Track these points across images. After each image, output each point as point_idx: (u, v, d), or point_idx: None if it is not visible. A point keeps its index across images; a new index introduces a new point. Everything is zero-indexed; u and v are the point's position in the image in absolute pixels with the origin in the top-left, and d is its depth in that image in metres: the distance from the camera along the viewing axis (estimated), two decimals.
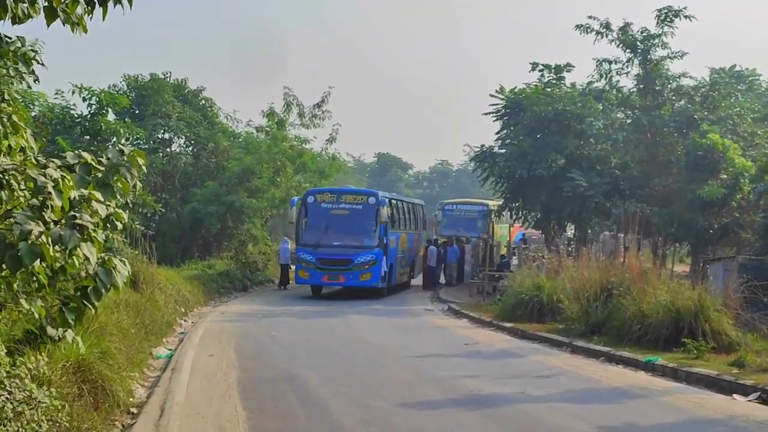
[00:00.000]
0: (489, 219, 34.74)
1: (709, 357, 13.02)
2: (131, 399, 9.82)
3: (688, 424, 8.97)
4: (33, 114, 20.96)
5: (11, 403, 4.45)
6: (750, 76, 36.67)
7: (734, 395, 10.81)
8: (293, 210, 29.38)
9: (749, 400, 10.51)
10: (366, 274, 27.82)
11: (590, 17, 29.13)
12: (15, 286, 6.57)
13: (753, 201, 25.19)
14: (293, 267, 31.00)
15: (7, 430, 4.47)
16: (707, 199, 25.77)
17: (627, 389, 11.14)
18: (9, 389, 4.50)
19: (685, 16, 28.26)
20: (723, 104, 29.56)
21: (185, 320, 19.83)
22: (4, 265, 6.15)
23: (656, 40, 28.65)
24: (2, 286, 6.51)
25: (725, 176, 26.35)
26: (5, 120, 6.79)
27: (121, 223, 7.22)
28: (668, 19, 28.28)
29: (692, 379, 11.92)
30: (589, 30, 29.10)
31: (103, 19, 7.54)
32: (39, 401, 4.65)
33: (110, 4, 7.54)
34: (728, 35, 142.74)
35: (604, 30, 28.95)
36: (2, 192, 6.45)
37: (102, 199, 7.77)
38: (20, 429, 4.50)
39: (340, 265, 27.69)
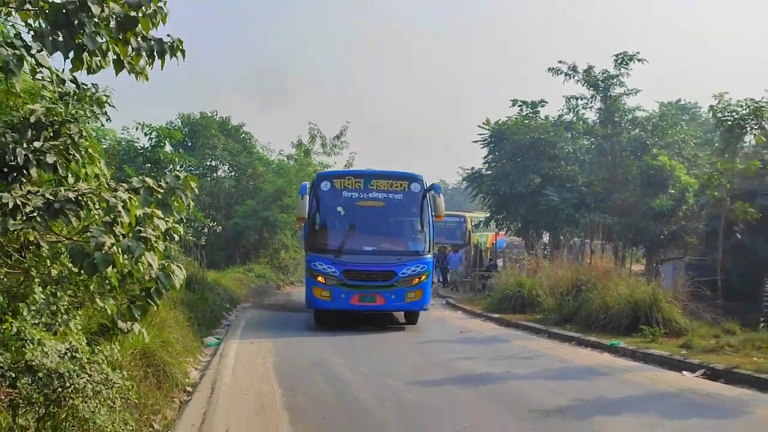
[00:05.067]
0: (466, 228, 34.61)
1: (662, 341, 12.99)
2: (187, 380, 9.83)
3: (646, 397, 8.92)
4: (104, 147, 21.01)
5: (91, 384, 4.47)
6: (692, 108, 36.72)
7: (683, 372, 10.76)
8: (304, 201, 16.16)
9: (696, 376, 10.46)
10: (415, 292, 15.66)
11: (560, 62, 29.14)
12: (91, 287, 6.60)
13: (696, 211, 25.22)
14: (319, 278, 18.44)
15: (88, 406, 4.48)
16: (658, 210, 25.75)
17: (595, 368, 11.10)
18: (89, 373, 4.51)
19: (638, 60, 28.28)
20: (670, 132, 29.56)
21: (230, 314, 19.83)
22: (82, 271, 6.18)
23: (614, 80, 28.67)
24: (81, 288, 6.54)
25: (673, 191, 26.31)
26: (83, 152, 6.82)
27: (177, 235, 7.22)
28: (624, 63, 28.31)
29: (648, 359, 11.88)
30: (559, 72, 29.11)
31: (162, 69, 7.60)
32: (114, 382, 4.66)
33: (167, 57, 7.63)
34: (674, 74, 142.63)
35: (572, 72, 28.97)
36: (81, 212, 6.49)
37: (162, 216, 7.80)
38: (99, 405, 4.51)
39: (378, 279, 15.49)
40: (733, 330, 12.88)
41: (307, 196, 15.83)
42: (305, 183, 16.27)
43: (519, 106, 30.92)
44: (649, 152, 27.83)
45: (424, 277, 15.70)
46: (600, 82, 28.78)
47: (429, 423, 7.52)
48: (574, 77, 29.00)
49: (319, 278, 15.44)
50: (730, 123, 17.63)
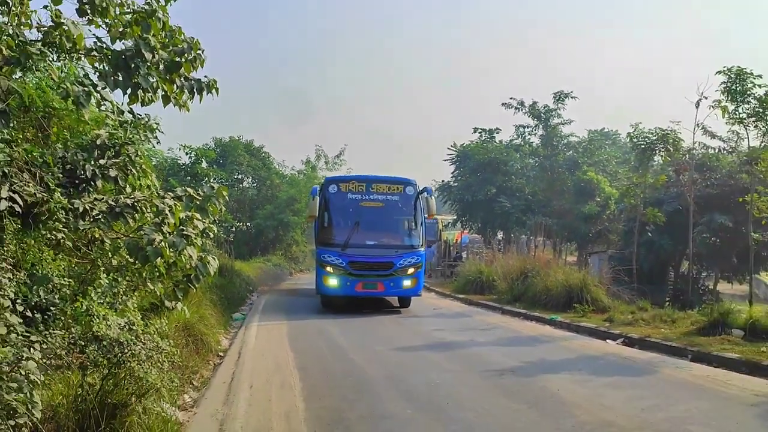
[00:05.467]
0: (438, 228, 34.63)
1: (590, 316, 13.01)
2: (219, 347, 9.77)
3: (579, 359, 8.94)
4: (154, 163, 20.99)
5: (144, 350, 4.46)
6: (613, 134, 36.85)
7: (607, 340, 10.78)
8: (314, 201, 15.14)
9: (617, 343, 10.49)
10: (410, 280, 14.91)
11: (511, 98, 29.30)
12: (144, 274, 6.58)
13: (617, 215, 25.34)
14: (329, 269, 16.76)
15: (142, 367, 4.46)
16: (588, 214, 25.88)
17: (538, 337, 11.12)
18: (143, 341, 4.49)
19: (572, 97, 28.46)
20: (597, 153, 29.79)
21: (252, 295, 19.76)
22: (137, 261, 6.17)
23: (553, 113, 28.83)
24: (136, 275, 6.53)
25: (599, 199, 26.46)
26: (138, 168, 6.81)
27: (212, 233, 7.22)
28: (561, 99, 28.48)
29: (580, 330, 11.90)
30: (510, 106, 29.25)
31: (200, 102, 7.60)
32: (162, 348, 4.64)
33: (204, 93, 7.62)
34: (599, 107, 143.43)
35: (520, 106, 29.11)
36: (136, 214, 6.47)
37: (200, 218, 7.80)
38: (150, 367, 4.49)
39: (379, 269, 14.64)
40: (645, 307, 12.93)
41: (317, 198, 14.81)
42: (315, 186, 15.53)
43: (479, 132, 31.09)
44: (580, 169, 27.98)
45: (418, 267, 14.87)
46: (542, 114, 28.94)
47: (407, 378, 7.50)
48: (522, 110, 29.14)
49: (328, 268, 14.54)
50: (643, 146, 17.73)
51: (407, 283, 14.75)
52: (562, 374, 7.78)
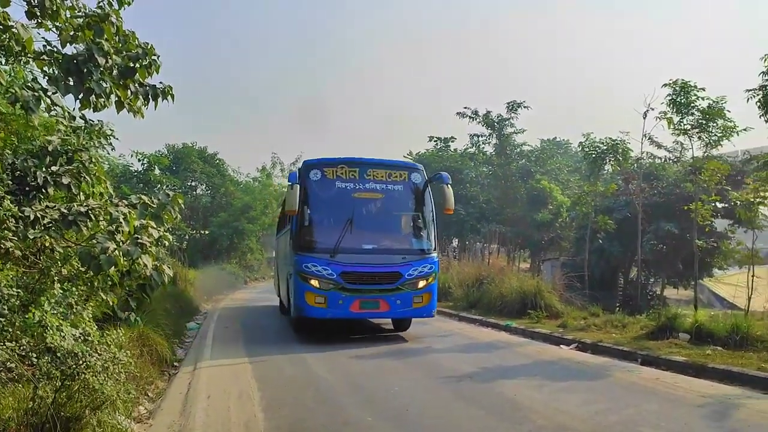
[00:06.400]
0: None
1: (544, 321, 13.24)
2: (174, 357, 9.59)
3: (534, 364, 9.10)
4: (105, 169, 20.56)
5: (100, 361, 4.35)
6: (565, 144, 37.70)
7: (561, 345, 11.00)
8: (294, 190, 10.86)
9: (570, 348, 10.71)
10: (422, 296, 11.28)
11: (465, 107, 29.70)
12: (96, 283, 6.44)
13: (569, 223, 25.92)
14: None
15: (98, 379, 4.37)
16: (540, 222, 26.41)
17: (494, 343, 11.26)
18: (99, 352, 4.39)
19: (525, 107, 29.00)
20: (549, 162, 30.42)
21: (208, 304, 19.47)
22: (90, 270, 6.04)
23: (507, 122, 29.33)
24: (88, 284, 6.38)
25: (551, 207, 27.04)
26: (92, 175, 6.67)
27: (167, 242, 7.10)
28: (514, 108, 29.01)
29: (535, 335, 12.10)
30: (465, 115, 29.63)
31: (155, 109, 7.50)
32: (119, 359, 4.55)
33: (159, 99, 7.52)
34: (551, 117, 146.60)
35: (474, 115, 29.52)
36: (89, 222, 6.33)
37: (155, 226, 7.68)
38: (106, 378, 4.40)
39: (381, 282, 11.02)
40: (597, 313, 13.24)
41: (298, 186, 10.87)
42: (294, 171, 11.43)
43: (435, 141, 31.43)
44: (533, 177, 28.56)
45: (431, 279, 11.37)
46: (495, 124, 29.41)
47: (368, 385, 7.52)
48: (476, 119, 29.57)
49: (312, 282, 10.74)
50: (594, 156, 18.21)
51: (418, 299, 11.20)
52: (519, 380, 7.92)
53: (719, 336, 9.56)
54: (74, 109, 6.85)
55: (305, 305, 10.87)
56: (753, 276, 11.81)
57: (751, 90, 10.75)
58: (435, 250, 11.70)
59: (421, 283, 11.21)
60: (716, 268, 21.04)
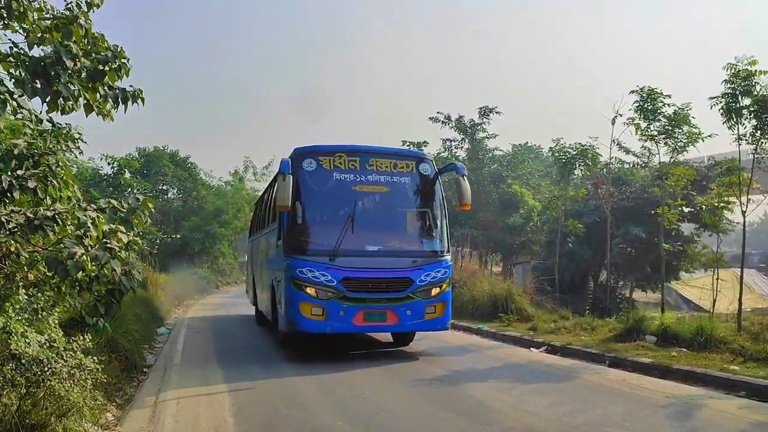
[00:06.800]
0: None
1: (515, 324, 13.40)
2: (144, 362, 9.50)
3: (504, 367, 9.20)
4: (73, 173, 20.27)
5: (66, 367, 4.31)
6: (536, 149, 38.10)
7: (531, 348, 11.13)
8: (286, 182, 9.07)
9: (540, 351, 10.85)
10: (435, 305, 9.77)
11: (438, 112, 29.82)
12: (63, 289, 6.36)
13: (540, 227, 26.21)
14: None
15: (64, 386, 4.32)
16: (512, 226, 26.65)
17: (466, 346, 11.35)
18: (65, 358, 4.35)
19: (497, 112, 29.24)
20: (520, 167, 30.68)
21: (179, 309, 19.28)
22: (56, 276, 5.97)
23: (479, 127, 29.52)
24: (55, 289, 6.30)
25: (522, 211, 27.29)
26: (59, 179, 6.59)
27: (137, 246, 7.04)
28: (486, 114, 29.20)
29: (506, 338, 12.24)
30: (437, 120, 29.76)
31: (125, 112, 7.44)
32: (86, 366, 4.50)
33: (129, 103, 7.46)
34: (522, 123, 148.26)
35: (447, 120, 29.66)
36: (56, 227, 6.25)
37: (124, 231, 7.61)
38: (72, 385, 4.35)
39: (389, 290, 9.48)
40: (567, 316, 13.43)
41: (290, 177, 9.18)
42: (286, 159, 9.55)
43: (407, 145, 31.42)
44: (505, 182, 28.78)
45: (445, 286, 9.88)
46: (468, 129, 29.60)
47: (339, 390, 7.52)
48: (448, 124, 29.73)
49: (309, 290, 9.21)
50: (564, 161, 18.46)
51: (430, 309, 9.69)
52: (489, 382, 8.00)
53: (684, 338, 9.77)
54: (41, 112, 6.77)
55: (299, 318, 9.24)
56: (718, 279, 12.07)
57: (714, 97, 11.02)
58: (448, 251, 10.33)
59: (435, 291, 9.73)
60: (683, 272, 21.49)
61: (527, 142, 37.91)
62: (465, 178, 10.22)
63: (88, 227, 6.52)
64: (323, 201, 9.99)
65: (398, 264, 9.61)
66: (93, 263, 6.75)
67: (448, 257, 10.24)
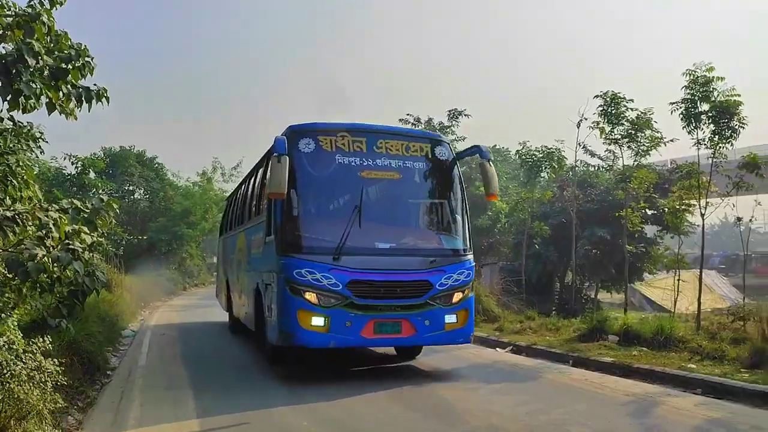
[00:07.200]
0: None
1: (482, 325, 13.48)
2: (107, 365, 9.37)
3: (470, 367, 9.31)
4: (35, 173, 19.87)
5: (26, 370, 4.26)
6: (504, 151, 38.50)
7: (497, 348, 11.27)
8: (282, 164, 7.52)
9: (506, 351, 11.00)
10: (458, 314, 8.23)
11: (408, 114, 29.94)
12: (24, 290, 6.27)
13: (507, 228, 26.49)
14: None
15: (23, 388, 4.27)
16: (480, 227, 26.84)
17: (433, 347, 11.36)
18: (24, 361, 4.29)
19: (465, 115, 29.48)
20: None
21: (145, 311, 19.05)
22: (17, 277, 5.88)
23: (448, 130, 29.74)
24: (16, 291, 6.21)
25: (490, 213, 27.54)
26: (20, 179, 6.49)
27: (101, 247, 6.97)
28: (455, 116, 29.43)
29: (473, 339, 12.32)
30: (407, 122, 29.87)
31: (89, 111, 7.35)
32: (46, 368, 4.45)
33: (93, 102, 7.37)
34: (490, 126, 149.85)
35: (416, 122, 29.78)
36: (17, 228, 6.15)
37: (88, 232, 7.52)
38: (32, 388, 4.30)
39: (404, 296, 7.92)
40: (533, 316, 13.59)
41: (286, 158, 7.67)
42: (281, 137, 8.05)
43: None
44: (473, 184, 29.02)
45: (468, 291, 8.45)
46: (437, 131, 29.84)
47: (305, 393, 7.51)
48: (417, 126, 29.87)
49: (308, 295, 7.67)
50: (530, 163, 18.68)
51: (451, 319, 8.24)
52: (455, 382, 8.10)
53: (645, 338, 10.00)
54: (2, 110, 6.66)
55: (297, 329, 7.67)
56: (679, 280, 12.38)
57: (674, 103, 11.31)
58: (470, 250, 8.83)
59: (456, 296, 8.28)
60: (646, 273, 21.93)
61: (495, 145, 38.25)
62: (491, 163, 8.84)
63: (50, 228, 6.43)
64: (324, 189, 8.49)
65: (414, 264, 8.16)
66: (55, 264, 6.66)
67: (471, 257, 8.74)
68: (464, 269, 8.43)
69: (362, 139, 8.48)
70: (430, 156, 8.88)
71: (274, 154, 7.73)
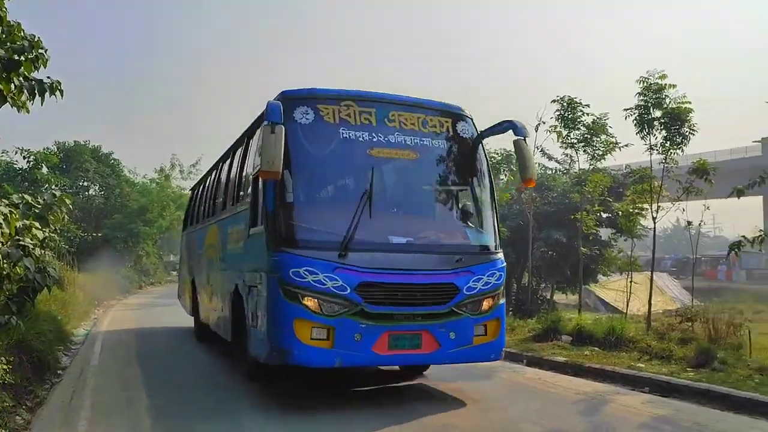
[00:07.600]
0: None
1: None
2: (58, 365, 9.14)
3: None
4: None
5: None
6: None
7: None
8: (276, 135, 5.70)
9: None
10: (487, 325, 6.61)
11: None
12: None
13: None
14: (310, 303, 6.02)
15: None
16: None
17: None
18: None
19: None
20: None
21: (98, 309, 18.67)
22: None
23: None
24: None
25: None
26: None
27: (53, 244, 6.84)
28: None
29: None
30: None
31: (42, 104, 7.22)
32: None
33: (47, 95, 7.23)
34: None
35: None
36: None
37: (39, 227, 7.38)
38: None
39: (425, 303, 6.20)
40: None
41: (281, 128, 5.94)
42: (275, 102, 6.27)
43: None
44: None
45: (499, 298, 6.95)
46: None
47: (271, 394, 7.48)
48: None
49: (308, 301, 6.04)
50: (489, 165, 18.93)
51: (481, 331, 6.74)
52: (412, 382, 8.16)
53: (598, 338, 10.26)
54: None
55: (294, 344, 6.02)
56: (631, 282, 12.73)
57: (628, 109, 11.62)
58: (500, 247, 7.34)
59: (486, 303, 6.77)
60: (601, 275, 22.39)
61: None
62: (526, 142, 7.27)
63: (0, 223, 6.30)
64: (326, 169, 6.97)
65: (437, 263, 6.63)
66: (5, 261, 6.52)
67: (501, 255, 7.24)
68: (495, 270, 6.93)
69: (371, 110, 6.91)
70: (452, 133, 7.36)
71: (266, 122, 6.08)
